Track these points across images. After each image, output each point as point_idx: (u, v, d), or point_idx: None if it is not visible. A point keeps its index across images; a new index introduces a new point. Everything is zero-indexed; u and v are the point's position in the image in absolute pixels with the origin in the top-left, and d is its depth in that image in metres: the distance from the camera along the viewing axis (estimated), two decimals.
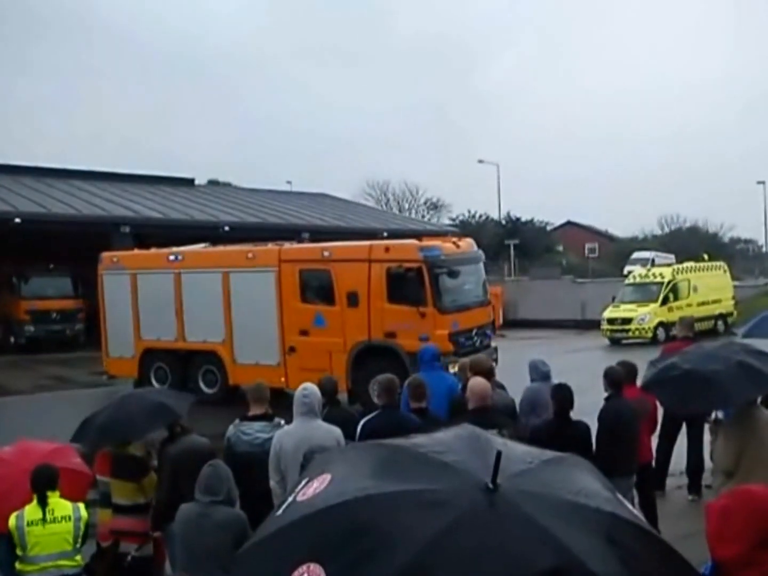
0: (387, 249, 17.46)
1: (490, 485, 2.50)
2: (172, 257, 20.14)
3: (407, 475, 2.62)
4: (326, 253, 18.02)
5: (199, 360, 19.65)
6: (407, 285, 16.81)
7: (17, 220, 30.67)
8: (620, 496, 2.86)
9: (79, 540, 6.15)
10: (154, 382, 19.80)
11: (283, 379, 17.51)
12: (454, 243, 18.54)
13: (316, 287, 18.19)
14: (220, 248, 21.15)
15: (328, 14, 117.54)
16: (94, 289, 32.98)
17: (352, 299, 17.28)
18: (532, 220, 68.55)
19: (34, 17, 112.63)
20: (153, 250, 21.58)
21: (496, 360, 17.27)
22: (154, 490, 7.41)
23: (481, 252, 19.48)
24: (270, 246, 19.57)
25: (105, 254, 21.37)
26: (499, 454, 2.51)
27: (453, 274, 17.07)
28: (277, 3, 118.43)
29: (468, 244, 18.99)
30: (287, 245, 19.90)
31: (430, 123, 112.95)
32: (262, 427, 7.27)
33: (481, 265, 19.19)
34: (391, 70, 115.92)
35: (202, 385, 19.46)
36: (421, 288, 16.67)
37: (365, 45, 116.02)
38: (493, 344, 18.85)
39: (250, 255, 18.97)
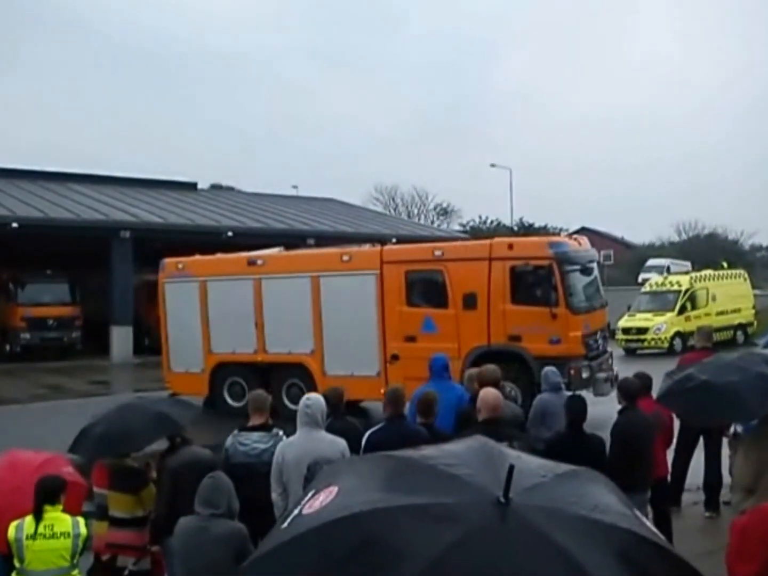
0: (510, 246, 16.77)
1: (502, 499, 2.49)
2: (251, 262, 19.18)
3: (416, 488, 2.61)
4: (438, 253, 17.22)
5: (283, 373, 18.44)
6: (535, 284, 16.18)
7: (14, 224, 30.80)
8: (637, 512, 2.85)
9: (77, 556, 6.15)
10: (228, 398, 19.09)
11: (383, 390, 16.27)
12: (575, 240, 17.93)
13: (426, 289, 17.50)
14: (309, 251, 20.79)
15: (336, 16, 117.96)
16: (92, 295, 33.62)
17: (470, 301, 16.53)
18: (545, 227, 68.50)
19: (33, 20, 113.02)
20: (227, 255, 20.71)
21: (611, 368, 17.09)
22: (152, 503, 7.40)
23: (595, 251, 18.90)
24: (368, 247, 18.91)
25: (168, 261, 20.35)
26: (511, 468, 2.51)
27: (585, 272, 16.63)
28: (285, 5, 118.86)
29: (586, 242, 18.31)
30: (388, 246, 19.13)
31: (441, 127, 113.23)
32: (260, 438, 7.26)
33: (596, 265, 18.55)
34: (401, 74, 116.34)
35: (286, 400, 17.92)
36: (552, 287, 16.04)
37: (375, 48, 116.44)
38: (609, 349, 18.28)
39: (345, 257, 18.02)
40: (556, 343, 15.32)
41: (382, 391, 15.56)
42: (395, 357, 16.99)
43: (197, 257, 20.69)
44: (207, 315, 19.20)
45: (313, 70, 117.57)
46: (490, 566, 2.37)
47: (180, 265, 19.99)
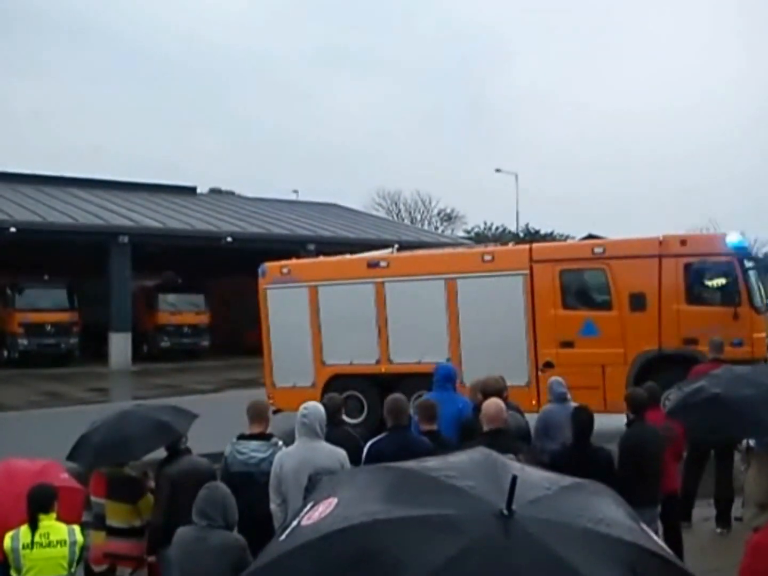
0: (683, 242, 15.71)
1: (505, 511, 2.49)
2: (373, 264, 17.98)
3: (417, 499, 2.61)
4: (599, 250, 16.11)
5: (411, 385, 16.22)
6: (714, 282, 15.26)
7: (12, 229, 30.89)
8: (645, 526, 2.84)
9: (74, 565, 6.16)
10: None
11: (534, 402, 14.75)
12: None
13: (585, 290, 16.65)
14: (442, 251, 19.78)
15: (338, 17, 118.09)
16: (91, 301, 33.68)
17: (638, 302, 15.53)
18: (552, 233, 68.52)
19: (35, 21, 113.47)
20: (342, 258, 19.57)
21: None
22: (150, 513, 7.40)
23: None
24: (513, 246, 17.91)
25: (269, 265, 18.89)
26: (514, 479, 2.50)
27: (762, 269, 16.01)
28: (284, 5, 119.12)
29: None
30: (538, 244, 18.14)
31: (445, 132, 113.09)
32: (258, 447, 7.26)
33: None
34: (404, 77, 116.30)
35: (413, 413, 16.61)
36: (734, 285, 15.14)
37: (379, 50, 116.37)
38: None
39: (487, 257, 16.87)
40: (738, 346, 14.29)
41: (534, 402, 14.61)
42: (549, 364, 15.78)
43: (306, 260, 19.85)
44: (318, 323, 17.86)
45: (314, 73, 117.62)
46: None
47: (285, 270, 18.60)
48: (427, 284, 16.96)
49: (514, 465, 2.93)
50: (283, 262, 19.13)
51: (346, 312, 17.38)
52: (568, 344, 15.85)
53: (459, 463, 2.87)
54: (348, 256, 19.49)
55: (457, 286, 16.71)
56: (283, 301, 18.16)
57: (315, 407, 7.03)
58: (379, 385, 17.08)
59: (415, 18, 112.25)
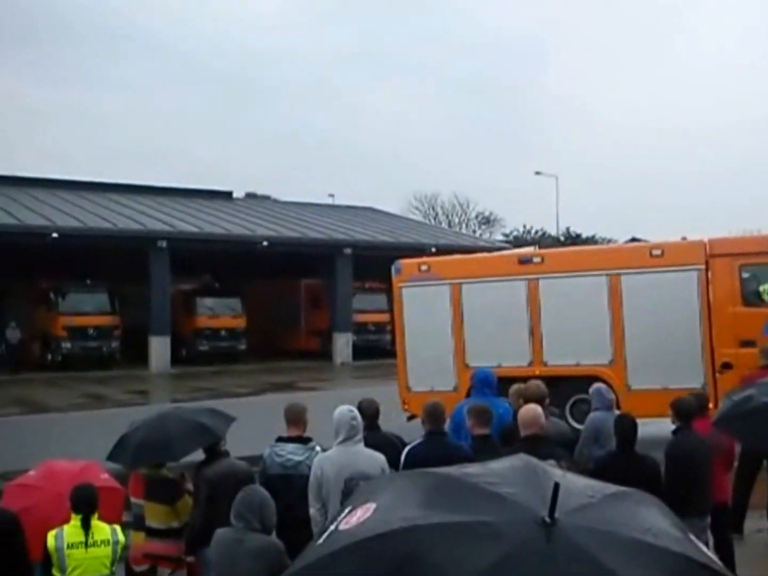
0: None
1: (547, 519, 2.45)
2: (525, 260, 17.11)
3: (457, 505, 2.58)
4: None
5: (568, 388, 15.73)
6: None
7: (54, 234, 31.34)
8: (693, 537, 2.77)
9: (116, 563, 6.21)
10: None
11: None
12: None
13: None
14: (603, 246, 19.08)
15: (375, 21, 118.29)
16: (131, 305, 34.05)
17: None
18: (593, 236, 68.01)
19: (66, 25, 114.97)
20: (488, 254, 18.90)
21: None
22: (187, 514, 7.45)
23: None
24: (687, 239, 16.95)
25: (405, 262, 18.12)
26: (557, 486, 2.46)
27: None
28: (322, 8, 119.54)
29: None
30: (715, 237, 16.95)
31: (483, 133, 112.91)
32: (295, 449, 7.26)
33: None
34: (443, 82, 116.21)
35: (570, 419, 15.56)
36: None
37: (418, 54, 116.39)
38: None
39: (656, 252, 15.86)
40: None
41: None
42: (727, 365, 14.84)
43: (448, 257, 19.06)
44: (461, 323, 16.89)
45: (351, 77, 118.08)
46: None
47: (423, 267, 17.72)
48: (586, 281, 16.09)
49: (555, 472, 2.89)
50: (422, 259, 18.62)
51: (493, 311, 16.60)
52: (749, 343, 14.48)
53: (499, 470, 2.83)
54: (496, 253, 18.64)
55: (622, 282, 15.83)
56: (420, 299, 17.32)
57: (354, 411, 7.00)
58: None
59: (453, 23, 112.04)
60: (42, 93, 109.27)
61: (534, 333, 16.38)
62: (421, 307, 17.22)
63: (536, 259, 16.88)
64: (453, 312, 16.89)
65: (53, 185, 41.40)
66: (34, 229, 31.78)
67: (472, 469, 2.87)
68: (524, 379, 15.57)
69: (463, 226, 74.15)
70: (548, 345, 16.25)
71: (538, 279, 16.40)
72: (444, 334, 16.86)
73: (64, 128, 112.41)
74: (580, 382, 14.71)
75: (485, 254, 18.73)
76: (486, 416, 7.72)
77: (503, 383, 15.44)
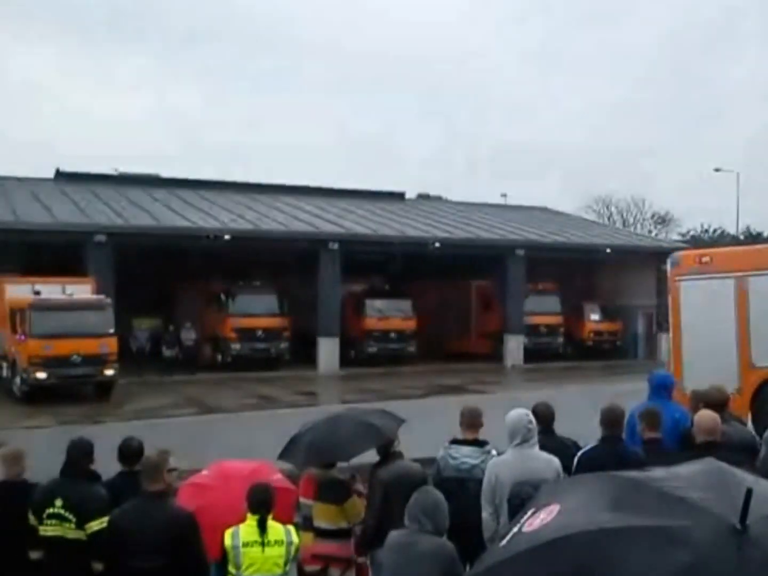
0: None
1: (738, 526, 2.40)
2: None
3: (642, 509, 2.57)
4: None
5: None
6: None
7: (227, 237, 32.44)
8: None
9: (289, 564, 6.38)
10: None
11: None
12: None
13: None
14: None
15: (548, 21, 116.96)
16: (300, 306, 34.84)
17: None
18: None
19: (251, 33, 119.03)
20: None
21: None
22: (355, 515, 7.61)
23: None
24: None
25: (683, 254, 17.53)
26: (749, 492, 2.41)
27: None
28: (502, 7, 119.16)
29: None
30: None
31: (659, 130, 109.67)
32: (470, 453, 7.29)
33: None
34: (617, 77, 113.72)
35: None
36: None
37: (592, 48, 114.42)
38: None
39: None
40: None
41: None
42: None
43: (731, 248, 18.32)
44: (747, 320, 15.75)
45: (526, 74, 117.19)
46: None
47: (705, 259, 16.68)
48: None
49: (747, 477, 2.82)
50: (702, 251, 17.79)
51: None
52: None
53: (686, 474, 2.80)
54: None
55: None
56: (699, 293, 16.34)
57: (529, 414, 6.97)
58: None
59: (635, 10, 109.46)
60: (215, 96, 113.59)
61: None
62: (700, 301, 16.27)
63: None
64: (738, 307, 15.82)
65: (225, 188, 42.89)
66: (207, 231, 32.93)
67: (657, 473, 2.85)
68: None
69: (638, 225, 72.36)
70: None
71: None
72: (726, 331, 15.75)
73: (233, 131, 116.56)
74: None
75: None
76: (656, 420, 7.58)
77: None
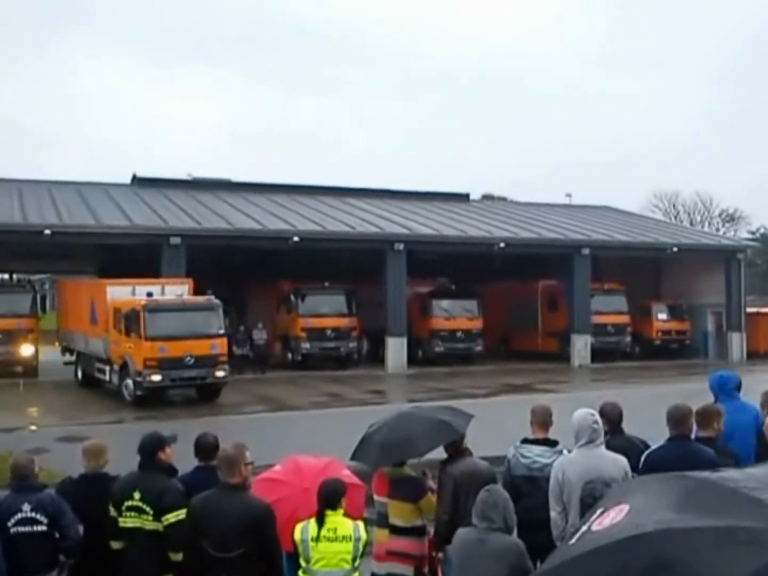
0: None
1: None
2: None
3: (714, 510, 2.54)
4: None
5: None
6: None
7: (296, 238, 32.74)
8: None
9: (358, 559, 6.41)
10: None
11: None
12: None
13: None
14: None
15: (613, 20, 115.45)
16: (367, 306, 35.02)
17: None
18: None
19: (314, 40, 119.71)
20: None
21: None
22: (430, 512, 7.60)
23: None
24: None
25: None
26: None
27: None
28: (564, 9, 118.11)
29: None
30: None
31: (728, 127, 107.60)
32: (542, 452, 7.25)
33: None
34: (682, 76, 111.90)
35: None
36: None
37: (658, 49, 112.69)
38: None
39: None
40: None
41: None
42: None
43: None
44: None
45: (589, 76, 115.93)
46: None
47: None
48: None
49: None
50: None
51: None
52: None
53: (760, 475, 2.74)
54: None
55: None
56: None
57: (595, 414, 6.90)
58: None
59: (694, 18, 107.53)
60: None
61: None
62: None
63: None
64: None
65: (293, 190, 43.29)
66: (276, 233, 33.33)
67: (730, 473, 2.81)
68: None
69: (706, 224, 71.08)
70: None
71: None
72: None
73: (302, 135, 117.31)
74: None
75: None
76: (709, 418, 7.39)
77: None
